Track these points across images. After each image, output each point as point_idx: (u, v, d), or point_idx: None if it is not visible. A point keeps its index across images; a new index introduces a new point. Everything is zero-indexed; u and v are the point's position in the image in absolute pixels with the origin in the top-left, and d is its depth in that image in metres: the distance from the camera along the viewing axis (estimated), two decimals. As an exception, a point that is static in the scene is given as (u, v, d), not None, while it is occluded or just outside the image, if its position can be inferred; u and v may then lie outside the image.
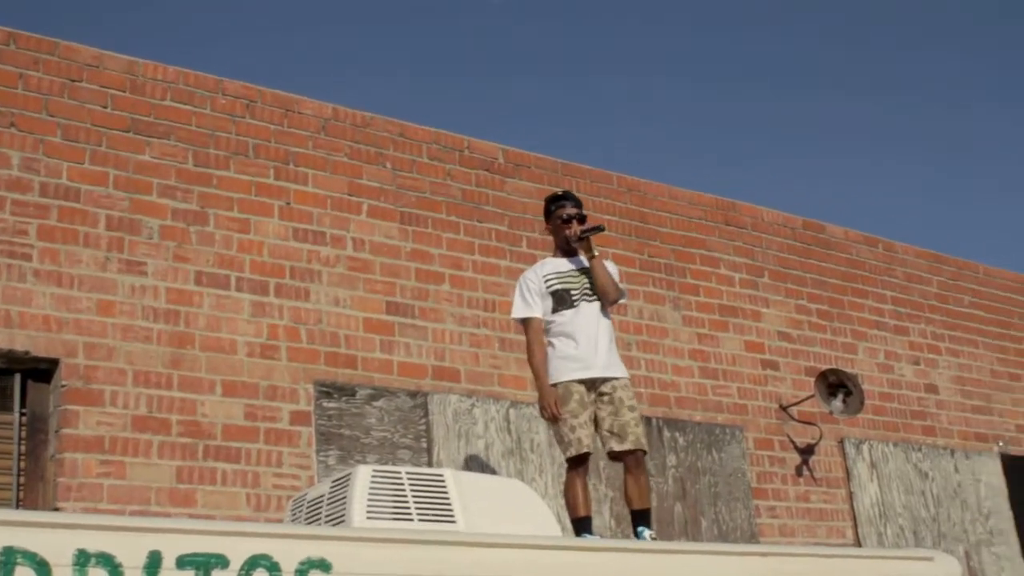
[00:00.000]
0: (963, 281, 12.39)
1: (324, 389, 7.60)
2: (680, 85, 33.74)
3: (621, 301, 7.02)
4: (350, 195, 8.33)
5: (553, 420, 6.44)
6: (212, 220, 7.66)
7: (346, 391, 7.69)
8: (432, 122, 9.00)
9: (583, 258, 6.83)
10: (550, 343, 6.66)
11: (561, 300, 6.65)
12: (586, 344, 6.55)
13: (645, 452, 6.56)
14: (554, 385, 6.50)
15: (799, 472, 9.90)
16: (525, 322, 6.77)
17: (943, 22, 33.30)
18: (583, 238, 6.78)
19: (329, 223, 8.15)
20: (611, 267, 6.90)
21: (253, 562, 3.93)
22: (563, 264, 6.82)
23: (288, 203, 8.02)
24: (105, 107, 7.52)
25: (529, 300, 6.72)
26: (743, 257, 10.50)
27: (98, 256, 7.17)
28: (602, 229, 6.99)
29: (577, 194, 7.44)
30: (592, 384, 6.51)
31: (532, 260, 8.72)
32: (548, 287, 6.70)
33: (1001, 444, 11.70)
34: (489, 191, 9.04)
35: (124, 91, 7.63)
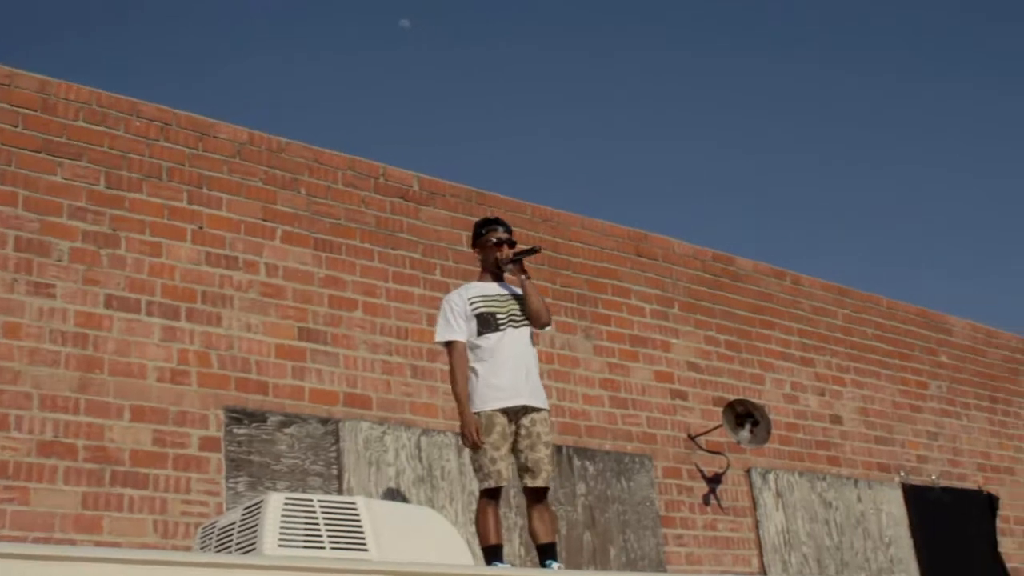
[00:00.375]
0: (867, 314, 12.63)
1: (234, 415, 7.55)
2: (593, 117, 34.02)
3: (547, 329, 7.05)
4: (264, 220, 8.30)
5: (474, 448, 6.45)
6: (124, 243, 7.58)
7: (256, 417, 7.64)
8: (347, 148, 9.01)
9: (510, 285, 6.87)
10: (473, 368, 6.64)
11: (486, 323, 6.66)
12: (512, 372, 6.56)
13: (547, 490, 6.60)
14: (477, 413, 6.51)
15: (706, 501, 10.01)
16: (449, 345, 6.75)
17: (844, 58, 33.98)
18: (517, 260, 6.83)
19: (242, 248, 8.11)
20: None
21: (168, 592, 3.90)
22: (490, 288, 6.84)
23: (201, 227, 7.97)
24: (16, 126, 7.43)
25: (453, 323, 6.71)
26: (654, 288, 10.62)
27: (5, 278, 7.06)
28: (537, 251, 7.06)
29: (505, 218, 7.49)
30: (515, 413, 6.54)
31: (446, 288, 8.75)
32: (473, 309, 6.70)
33: (902, 474, 11.92)
34: (404, 219, 9.05)
35: (36, 111, 7.54)
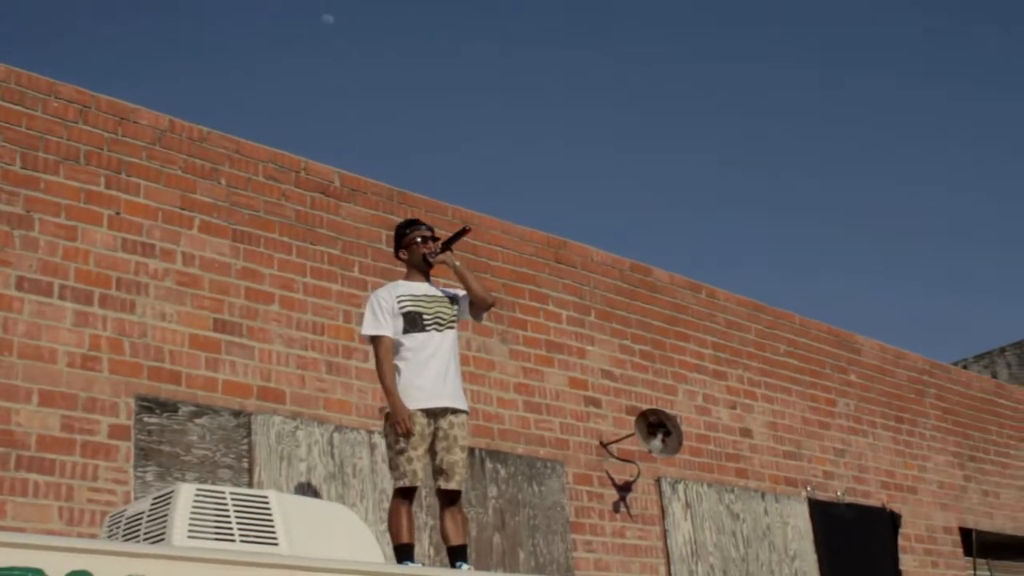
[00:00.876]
0: (779, 330, 12.78)
1: (145, 404, 7.42)
2: (517, 118, 34.14)
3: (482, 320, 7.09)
4: (182, 209, 8.18)
5: (406, 435, 6.41)
6: (37, 225, 7.43)
7: (168, 407, 7.53)
8: (269, 141, 8.92)
9: (437, 287, 6.89)
10: (396, 367, 6.64)
11: (413, 322, 6.66)
12: (434, 373, 6.58)
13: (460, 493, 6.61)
14: None
15: (616, 508, 10.05)
16: (375, 340, 6.74)
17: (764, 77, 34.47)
18: (449, 246, 6.87)
19: (159, 236, 7.98)
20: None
21: (73, 577, 3.82)
22: (417, 288, 6.85)
23: (118, 213, 7.83)
24: (-70, 102, 7.25)
25: (380, 318, 6.69)
26: (571, 295, 10.64)
27: (-86, 255, 6.88)
28: (468, 230, 7.09)
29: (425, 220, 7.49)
30: (435, 414, 6.53)
31: (364, 286, 8.73)
32: (401, 307, 6.69)
33: (809, 489, 12.07)
34: (324, 214, 8.97)
35: (-49, 87, 7.37)
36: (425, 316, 6.68)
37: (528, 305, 10.24)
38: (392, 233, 7.39)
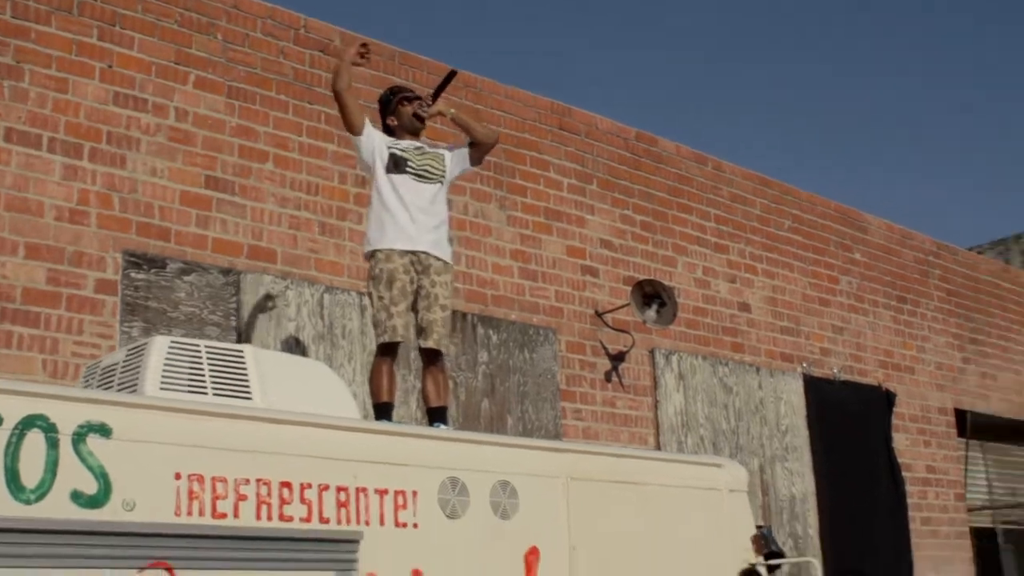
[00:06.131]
0: (785, 205, 12.69)
1: (133, 259, 7.43)
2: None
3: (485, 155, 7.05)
4: (176, 64, 8.09)
5: (362, 52, 6.62)
6: (27, 76, 7.36)
7: (156, 263, 7.53)
8: (274, -2, 8.78)
9: (427, 144, 6.80)
10: (376, 209, 6.55)
11: (397, 164, 6.53)
12: (415, 217, 6.45)
13: (443, 353, 6.58)
14: (376, 251, 6.45)
15: (608, 378, 10.10)
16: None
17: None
18: (438, 94, 6.77)
19: (152, 90, 7.91)
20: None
21: (28, 422, 3.83)
22: (406, 143, 6.73)
23: (110, 66, 7.75)
24: (-82, -54, 7.14)
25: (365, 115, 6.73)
26: (573, 163, 10.56)
27: (-99, 102, 6.84)
28: (455, 72, 6.98)
29: (412, 85, 7.38)
30: (418, 271, 6.46)
31: (359, 146, 8.64)
32: (388, 147, 6.61)
33: (805, 365, 12.10)
34: (322, 73, 8.85)
35: (-60, -69, 7.25)
36: (410, 163, 6.57)
37: (529, 172, 10.17)
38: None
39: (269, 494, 4.45)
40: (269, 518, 4.42)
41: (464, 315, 9.00)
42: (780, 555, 6.44)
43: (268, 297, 7.94)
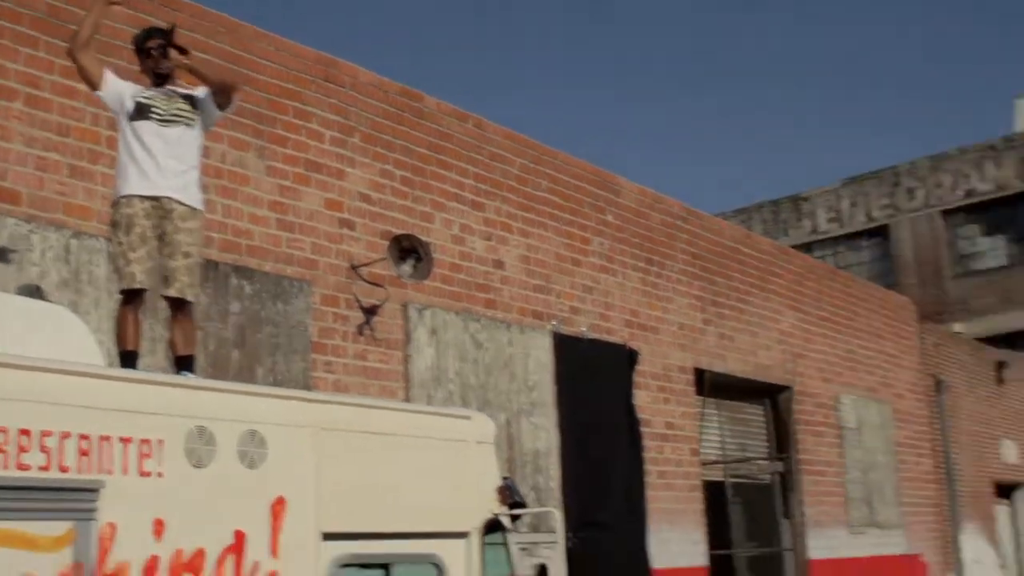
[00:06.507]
0: (543, 166, 12.98)
1: None
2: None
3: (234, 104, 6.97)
4: (-81, -9, 7.74)
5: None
6: None
7: None
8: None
9: (175, 88, 6.72)
10: (124, 152, 6.50)
11: (141, 111, 6.49)
12: (160, 164, 6.40)
13: (190, 302, 6.55)
14: (120, 198, 6.39)
15: (360, 331, 10.18)
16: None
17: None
18: (166, 50, 6.69)
19: None
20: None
21: None
22: (153, 91, 6.66)
23: None
24: None
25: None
26: (336, 115, 10.56)
27: None
28: (173, 27, 6.80)
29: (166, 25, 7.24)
30: (159, 206, 6.39)
31: (114, 88, 8.43)
32: (133, 96, 6.54)
33: (554, 323, 12.46)
34: (77, 9, 8.57)
35: None
36: (155, 109, 6.51)
37: (291, 122, 10.12)
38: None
39: (7, 441, 4.39)
40: (5, 467, 4.37)
41: (216, 264, 8.93)
42: (523, 505, 6.71)
43: (11, 240, 7.70)
